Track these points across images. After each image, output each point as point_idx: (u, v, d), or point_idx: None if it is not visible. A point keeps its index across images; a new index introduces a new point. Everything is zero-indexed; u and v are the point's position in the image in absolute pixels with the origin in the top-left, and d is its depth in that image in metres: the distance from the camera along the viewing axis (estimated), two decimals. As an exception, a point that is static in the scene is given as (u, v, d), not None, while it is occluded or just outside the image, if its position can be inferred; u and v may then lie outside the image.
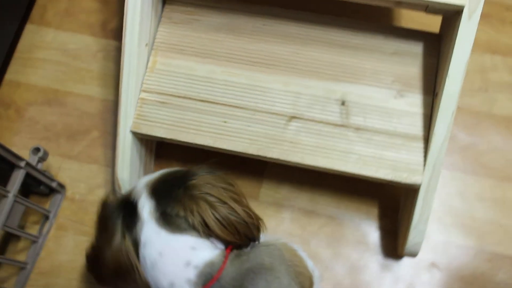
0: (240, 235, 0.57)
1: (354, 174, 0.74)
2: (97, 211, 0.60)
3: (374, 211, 0.86)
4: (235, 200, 0.57)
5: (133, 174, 0.81)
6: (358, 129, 0.75)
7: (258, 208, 0.87)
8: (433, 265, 0.83)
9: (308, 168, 0.76)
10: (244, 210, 0.58)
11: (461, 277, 0.82)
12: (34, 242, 0.85)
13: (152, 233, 0.55)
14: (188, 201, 0.55)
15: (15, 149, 0.76)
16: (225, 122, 0.77)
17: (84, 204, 0.89)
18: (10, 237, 0.88)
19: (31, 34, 1.03)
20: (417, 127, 0.74)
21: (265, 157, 0.75)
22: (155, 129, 0.78)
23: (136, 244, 0.56)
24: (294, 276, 0.59)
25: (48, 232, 0.87)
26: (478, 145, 0.89)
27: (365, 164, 0.73)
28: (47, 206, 0.89)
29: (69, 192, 0.90)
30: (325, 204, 0.87)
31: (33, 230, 0.88)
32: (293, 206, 0.87)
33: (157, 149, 0.92)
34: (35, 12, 1.05)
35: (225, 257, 0.56)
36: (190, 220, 0.55)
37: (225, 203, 0.56)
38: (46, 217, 0.88)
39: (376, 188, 0.87)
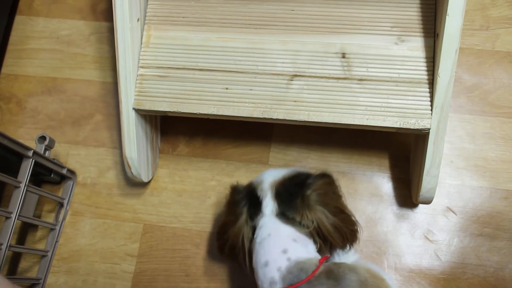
0: (344, 240, 0.66)
1: (362, 126, 0.73)
2: (228, 196, 0.71)
3: (385, 162, 0.86)
4: (342, 210, 0.67)
5: (140, 152, 0.81)
6: (361, 80, 0.74)
7: (269, 173, 0.87)
8: (448, 209, 0.83)
9: (315, 126, 0.75)
10: (351, 219, 0.68)
11: (477, 218, 0.82)
12: (51, 229, 0.86)
13: (269, 221, 0.65)
14: (306, 210, 0.64)
15: (21, 141, 0.76)
16: (226, 88, 0.76)
17: (97, 188, 0.90)
18: (27, 228, 0.89)
19: (21, 25, 1.02)
20: (421, 72, 0.73)
21: (271, 119, 0.75)
22: (157, 104, 0.77)
23: (253, 229, 0.67)
24: None
25: (64, 218, 0.88)
26: (484, 85, 0.88)
27: (372, 115, 0.73)
28: (60, 193, 0.90)
29: (80, 177, 0.91)
30: (336, 161, 0.87)
31: (49, 218, 0.89)
32: (304, 166, 0.87)
33: (162, 124, 0.92)
34: (22, 2, 1.03)
35: (317, 266, 0.61)
36: (304, 223, 0.64)
37: (340, 212, 0.66)
38: (61, 204, 0.88)
39: (384, 139, 0.87)
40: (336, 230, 0.65)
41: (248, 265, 0.68)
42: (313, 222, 0.64)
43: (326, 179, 0.67)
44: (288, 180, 0.67)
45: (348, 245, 0.68)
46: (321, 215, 0.64)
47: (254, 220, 0.67)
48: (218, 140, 0.90)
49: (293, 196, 0.65)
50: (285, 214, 0.65)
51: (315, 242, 0.66)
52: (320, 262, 0.62)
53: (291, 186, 0.66)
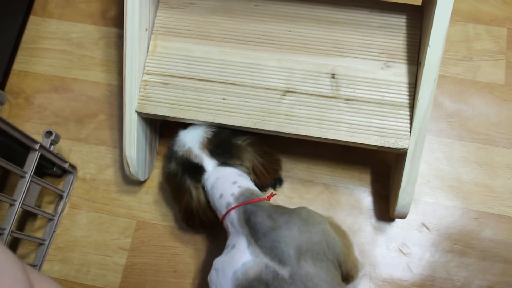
0: (270, 176, 0.82)
1: (346, 142, 0.79)
2: (168, 184, 0.83)
3: (367, 177, 0.92)
4: (267, 151, 0.83)
5: (139, 152, 0.87)
6: (348, 99, 0.80)
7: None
8: (423, 225, 0.89)
9: (303, 139, 0.81)
10: (276, 158, 0.86)
11: (449, 235, 0.88)
12: (50, 219, 0.91)
13: (214, 171, 0.77)
14: (242, 155, 0.78)
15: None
16: (223, 99, 0.82)
17: (95, 183, 0.95)
18: (27, 216, 0.94)
19: (35, 25, 1.08)
20: (403, 96, 0.79)
21: (262, 130, 0.81)
22: (159, 109, 0.83)
23: (203, 187, 0.78)
24: (331, 248, 0.66)
25: (62, 210, 0.93)
26: (463, 111, 0.94)
27: (356, 132, 0.79)
28: (60, 186, 0.95)
29: (80, 173, 0.96)
30: (321, 173, 0.92)
31: (48, 209, 0.94)
32: (291, 176, 0.93)
33: (161, 128, 0.97)
34: (38, 4, 1.09)
35: (268, 196, 0.74)
36: (243, 165, 0.78)
37: (266, 154, 0.82)
38: (60, 197, 0.93)
39: (368, 156, 0.93)
40: (265, 169, 0.80)
41: (211, 218, 0.79)
42: (249, 163, 0.78)
43: (248, 135, 0.81)
44: (214, 138, 0.80)
45: (272, 180, 0.85)
46: (253, 157, 0.79)
47: (200, 180, 0.77)
48: (213, 146, 0.96)
49: (226, 148, 0.78)
50: (226, 162, 0.77)
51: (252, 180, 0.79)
52: (269, 197, 0.76)
53: (220, 142, 0.79)
